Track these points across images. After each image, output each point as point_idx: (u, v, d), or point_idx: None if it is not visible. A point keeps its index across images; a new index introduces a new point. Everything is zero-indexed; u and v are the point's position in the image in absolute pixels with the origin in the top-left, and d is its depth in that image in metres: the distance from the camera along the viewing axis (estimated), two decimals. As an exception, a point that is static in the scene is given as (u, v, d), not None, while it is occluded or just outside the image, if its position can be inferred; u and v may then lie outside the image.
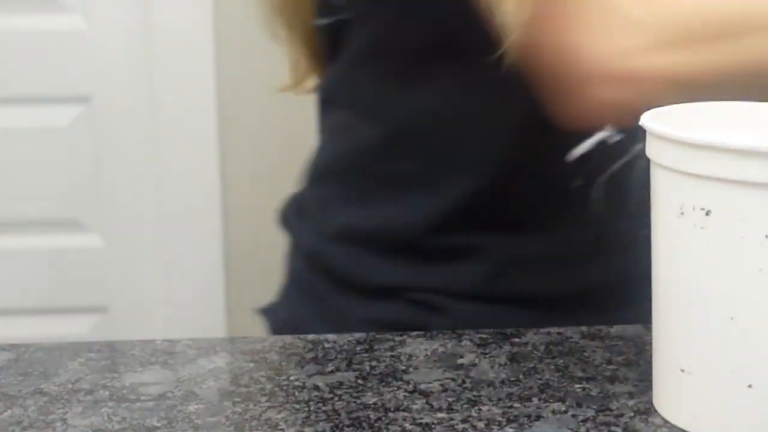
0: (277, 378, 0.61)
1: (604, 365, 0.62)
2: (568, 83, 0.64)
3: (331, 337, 0.67)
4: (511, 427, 0.55)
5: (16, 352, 0.65)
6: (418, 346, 0.65)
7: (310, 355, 0.64)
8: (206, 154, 1.65)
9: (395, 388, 0.60)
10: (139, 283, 1.73)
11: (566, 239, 0.78)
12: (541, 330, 0.68)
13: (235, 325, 1.71)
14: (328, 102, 0.86)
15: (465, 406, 0.57)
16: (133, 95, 1.65)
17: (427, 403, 0.58)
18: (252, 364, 0.63)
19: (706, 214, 0.51)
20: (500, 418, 0.56)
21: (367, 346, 0.66)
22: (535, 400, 0.58)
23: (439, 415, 0.56)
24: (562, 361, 0.63)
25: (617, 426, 0.55)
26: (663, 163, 0.53)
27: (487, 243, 0.77)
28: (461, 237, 0.77)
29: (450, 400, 0.58)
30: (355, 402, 0.58)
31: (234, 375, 0.62)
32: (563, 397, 0.58)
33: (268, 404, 0.58)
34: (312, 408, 0.57)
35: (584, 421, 0.55)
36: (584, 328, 0.68)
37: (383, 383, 0.60)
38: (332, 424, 0.55)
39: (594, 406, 0.57)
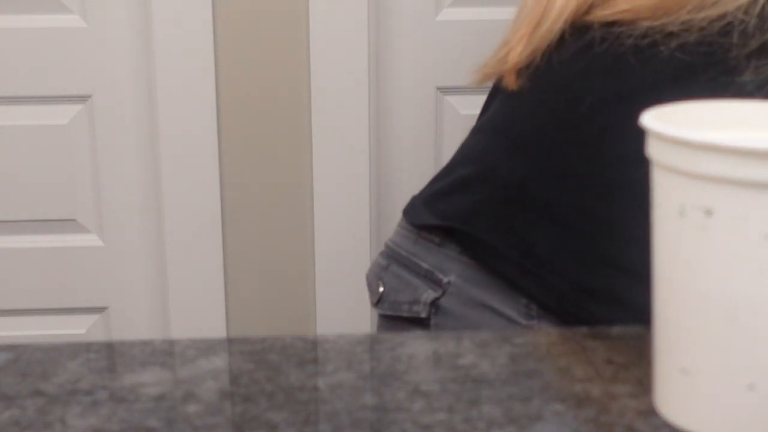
0: (276, 378, 0.61)
1: (605, 365, 0.62)
2: None
3: (331, 337, 0.67)
4: (511, 428, 0.55)
5: (15, 352, 0.65)
6: (418, 347, 0.65)
7: (310, 355, 0.64)
8: (206, 154, 1.65)
9: (395, 388, 0.59)
10: (138, 283, 1.73)
11: None
12: (542, 330, 0.68)
13: (235, 325, 1.71)
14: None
15: (465, 406, 0.57)
16: (133, 95, 1.65)
17: (427, 403, 0.58)
18: (252, 365, 0.63)
19: (707, 214, 0.51)
20: (500, 419, 0.56)
21: (367, 346, 0.66)
22: (535, 400, 0.58)
23: (439, 415, 0.56)
24: (562, 361, 0.63)
25: (618, 426, 0.55)
26: (663, 163, 0.53)
27: None
28: None
29: (450, 400, 0.58)
30: (355, 402, 0.58)
31: (234, 375, 0.62)
32: (564, 397, 0.58)
33: (268, 405, 0.58)
34: (312, 408, 0.57)
35: (585, 421, 0.55)
36: (585, 329, 0.68)
37: (383, 383, 0.60)
38: (332, 424, 0.55)
39: (594, 407, 0.57)
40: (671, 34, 0.76)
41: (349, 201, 1.67)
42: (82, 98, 1.65)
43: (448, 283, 0.87)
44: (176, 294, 1.71)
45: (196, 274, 1.70)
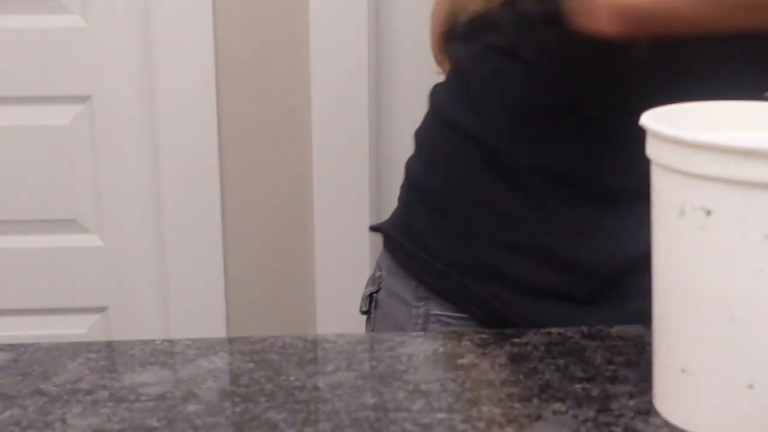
0: (277, 378, 0.61)
1: (605, 365, 0.62)
2: None
3: (331, 337, 0.67)
4: (511, 428, 0.55)
5: (16, 352, 0.65)
6: (418, 346, 0.65)
7: (310, 355, 0.64)
8: (206, 154, 1.65)
9: (395, 388, 0.59)
10: (138, 283, 1.73)
11: None
12: (542, 330, 0.68)
13: (235, 325, 1.71)
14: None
15: (465, 406, 0.57)
16: (133, 95, 1.65)
17: (427, 403, 0.58)
18: (252, 364, 0.63)
19: (707, 214, 0.51)
20: (500, 419, 0.56)
21: (367, 346, 0.66)
22: (535, 400, 0.58)
23: (439, 415, 0.56)
24: (562, 361, 0.63)
25: (617, 426, 0.55)
26: (663, 163, 0.53)
27: None
28: None
29: (450, 400, 0.58)
30: (355, 402, 0.58)
31: (234, 375, 0.62)
32: (564, 397, 0.58)
33: (268, 404, 0.58)
34: (312, 408, 0.57)
35: (584, 421, 0.55)
36: (584, 328, 0.68)
37: (383, 383, 0.60)
38: (332, 424, 0.55)
39: (594, 407, 0.57)
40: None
41: (349, 201, 1.67)
42: (82, 98, 1.65)
43: (379, 277, 0.99)
44: (176, 294, 1.71)
45: (196, 274, 1.70)
